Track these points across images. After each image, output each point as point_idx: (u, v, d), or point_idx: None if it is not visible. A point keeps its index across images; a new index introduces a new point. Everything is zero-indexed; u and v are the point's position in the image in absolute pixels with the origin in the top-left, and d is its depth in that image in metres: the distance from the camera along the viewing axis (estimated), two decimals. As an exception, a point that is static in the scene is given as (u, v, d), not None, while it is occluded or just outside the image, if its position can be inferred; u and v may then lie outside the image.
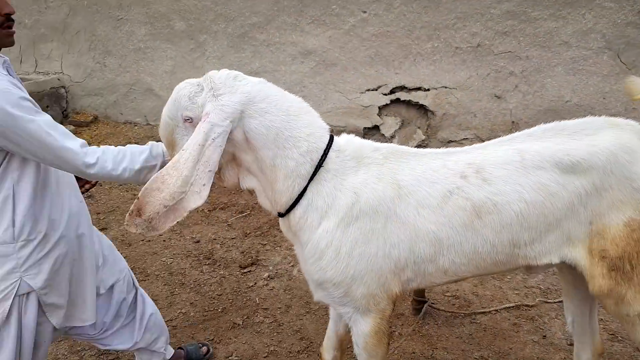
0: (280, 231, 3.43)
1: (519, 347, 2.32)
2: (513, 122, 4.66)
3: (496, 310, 2.58)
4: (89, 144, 1.57)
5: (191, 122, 1.41)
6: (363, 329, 1.52)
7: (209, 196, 1.36)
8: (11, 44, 1.57)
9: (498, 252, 1.46)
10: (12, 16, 1.54)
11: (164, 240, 3.43)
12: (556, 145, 1.43)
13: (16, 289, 1.56)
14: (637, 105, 4.54)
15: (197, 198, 1.33)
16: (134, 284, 2.06)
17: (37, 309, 1.64)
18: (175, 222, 1.35)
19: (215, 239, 3.43)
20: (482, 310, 2.59)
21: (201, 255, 3.23)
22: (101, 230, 3.58)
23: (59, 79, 5.91)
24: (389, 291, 1.48)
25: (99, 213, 3.85)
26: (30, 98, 1.50)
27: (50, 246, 1.62)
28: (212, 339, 2.47)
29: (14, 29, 1.56)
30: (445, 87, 4.77)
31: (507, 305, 2.62)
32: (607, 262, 1.41)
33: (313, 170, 1.42)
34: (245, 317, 2.63)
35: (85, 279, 1.78)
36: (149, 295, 2.75)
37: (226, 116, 1.35)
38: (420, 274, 1.48)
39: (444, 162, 1.47)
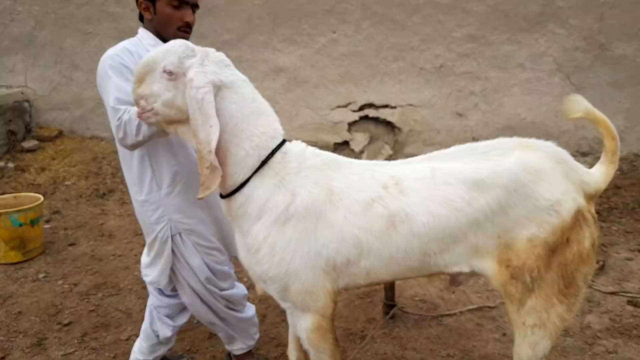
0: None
1: (481, 345, 2.48)
2: (473, 138, 4.93)
3: (461, 312, 2.76)
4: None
5: (169, 76, 1.49)
6: (304, 325, 1.61)
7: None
8: None
9: (411, 259, 1.56)
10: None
11: (135, 255, 3.43)
12: (465, 165, 1.54)
13: (169, 231, 1.88)
14: (588, 124, 4.90)
15: (204, 148, 1.43)
16: None
17: (193, 248, 1.93)
18: (219, 177, 1.47)
19: (188, 252, 3.46)
20: (448, 313, 2.76)
21: (174, 268, 3.26)
22: (70, 245, 3.57)
23: (22, 93, 5.79)
24: (324, 289, 1.57)
25: (67, 229, 3.81)
26: None
27: (192, 193, 1.83)
28: (189, 349, 2.51)
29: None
30: (411, 105, 5.00)
31: (471, 307, 2.80)
32: (510, 271, 1.52)
33: (259, 164, 1.52)
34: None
35: (226, 224, 1.97)
36: (121, 310, 2.79)
37: (207, 81, 1.45)
38: (347, 274, 1.58)
39: (373, 172, 1.58)
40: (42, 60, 5.92)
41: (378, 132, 5.18)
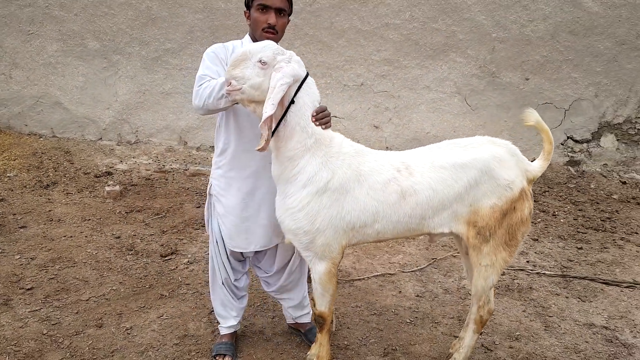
0: (196, 228, 3.99)
1: (382, 299, 3.17)
2: (387, 147, 5.71)
3: (368, 278, 3.43)
4: None
5: (262, 65, 1.90)
6: (319, 269, 2.11)
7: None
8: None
9: (412, 222, 2.09)
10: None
11: (86, 237, 3.77)
12: (453, 154, 2.14)
13: (209, 189, 2.42)
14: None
15: (263, 117, 1.84)
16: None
17: (216, 213, 2.42)
18: (269, 130, 1.91)
19: (134, 235, 3.86)
20: (358, 278, 3.42)
21: (123, 248, 3.65)
22: (21, 228, 3.84)
23: (-43, 88, 5.81)
24: (340, 244, 2.10)
25: (15, 214, 4.05)
26: None
27: (230, 170, 2.31)
28: (144, 307, 2.94)
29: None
30: (335, 117, 5.68)
31: (376, 274, 3.49)
32: (477, 229, 2.09)
33: (314, 145, 2.01)
34: (170, 290, 3.14)
35: (259, 212, 2.34)
36: (79, 279, 3.16)
37: (293, 74, 1.92)
38: (361, 234, 2.12)
39: (390, 159, 2.14)
40: (-20, 57, 5.95)
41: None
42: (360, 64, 5.60)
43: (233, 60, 1.95)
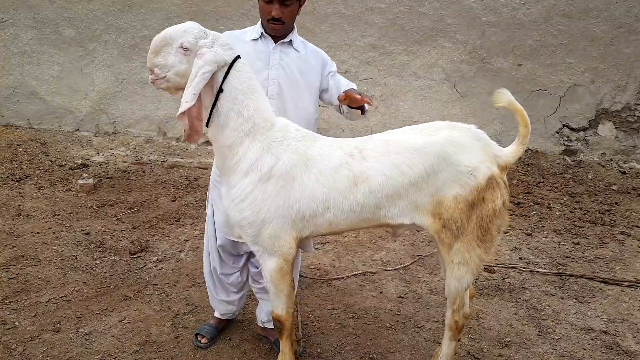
0: (169, 223, 3.82)
1: (361, 300, 3.00)
2: (375, 136, 5.52)
3: (347, 277, 3.26)
4: None
5: (185, 51, 1.79)
6: (269, 265, 1.97)
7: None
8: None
9: (366, 212, 1.92)
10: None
11: (54, 233, 3.61)
12: (411, 138, 1.96)
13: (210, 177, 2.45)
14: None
15: (180, 109, 1.75)
16: None
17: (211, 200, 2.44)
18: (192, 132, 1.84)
19: (105, 231, 3.69)
20: (337, 277, 3.25)
21: (92, 245, 3.48)
22: (-14, 223, 3.66)
23: None
24: (290, 236, 1.94)
25: (-18, 209, 3.89)
26: None
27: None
28: (106, 309, 2.79)
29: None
30: (320, 106, 5.48)
31: (356, 272, 3.31)
32: (442, 222, 1.92)
33: (252, 130, 1.88)
34: (136, 291, 2.98)
35: None
36: (41, 278, 3.00)
37: (215, 60, 1.78)
38: (312, 224, 1.96)
39: (341, 144, 1.98)
40: (-49, 46, 5.74)
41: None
42: (345, 50, 5.40)
43: (154, 47, 1.82)
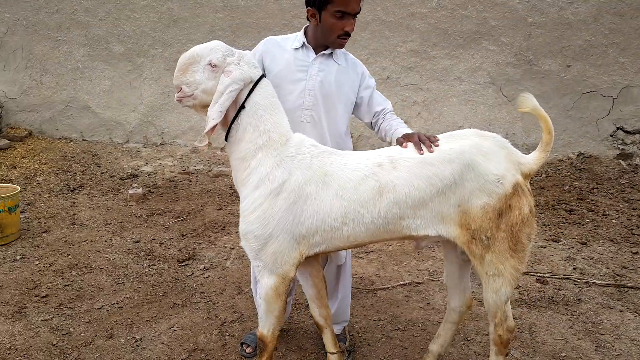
0: (215, 232, 3.88)
1: (408, 312, 2.93)
2: (417, 143, 5.43)
3: (393, 287, 3.19)
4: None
5: (213, 68, 1.83)
6: (267, 283, 1.94)
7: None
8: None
9: (388, 223, 1.86)
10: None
11: (106, 241, 3.74)
12: (440, 148, 1.91)
13: None
14: (517, 132, 5.48)
15: (208, 126, 1.78)
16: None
17: None
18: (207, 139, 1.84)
19: (154, 239, 3.80)
20: (382, 287, 3.19)
21: (141, 253, 3.59)
22: (44, 232, 3.85)
23: (-8, 95, 5.99)
24: (294, 256, 1.91)
25: (40, 218, 4.07)
26: None
27: None
28: (155, 316, 2.85)
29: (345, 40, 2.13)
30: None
31: (402, 282, 3.24)
32: (470, 233, 1.89)
33: (266, 144, 1.89)
34: (184, 299, 3.03)
35: None
36: (94, 285, 3.11)
37: (241, 77, 1.82)
38: (328, 240, 1.92)
39: (368, 156, 1.95)
40: (13, 64, 6.11)
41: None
42: (386, 56, 5.36)
43: (181, 65, 1.85)
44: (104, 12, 5.72)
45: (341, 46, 2.17)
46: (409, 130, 2.11)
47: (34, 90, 6.05)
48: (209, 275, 3.31)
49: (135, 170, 5.15)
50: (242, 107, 1.87)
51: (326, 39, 2.12)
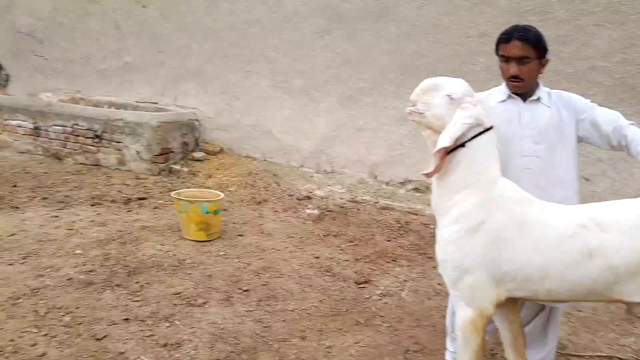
0: (387, 261, 4.01)
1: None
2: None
3: (590, 357, 2.92)
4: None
5: (450, 99, 1.96)
6: (463, 314, 1.96)
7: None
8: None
9: (598, 286, 1.79)
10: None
11: (290, 252, 4.08)
12: None
13: None
14: None
15: (439, 146, 1.90)
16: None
17: None
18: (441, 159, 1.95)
19: (331, 258, 4.04)
20: (576, 354, 2.94)
21: (322, 268, 3.83)
22: (239, 236, 4.33)
23: (194, 113, 6.95)
24: (492, 294, 1.91)
25: (235, 223, 4.62)
26: None
27: None
28: (341, 329, 3.01)
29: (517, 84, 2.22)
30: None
31: (600, 354, 2.95)
32: None
33: (473, 183, 1.97)
34: (365, 319, 3.16)
35: None
36: (285, 289, 3.40)
37: (476, 117, 1.95)
38: (526, 289, 1.91)
39: (569, 212, 1.91)
40: (210, 89, 7.05)
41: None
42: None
43: (423, 86, 2.03)
44: (287, 49, 6.38)
45: (514, 88, 2.26)
46: None
47: (226, 113, 6.91)
48: (386, 302, 3.42)
49: (310, 192, 5.57)
50: (462, 145, 1.96)
51: (505, 81, 2.28)
